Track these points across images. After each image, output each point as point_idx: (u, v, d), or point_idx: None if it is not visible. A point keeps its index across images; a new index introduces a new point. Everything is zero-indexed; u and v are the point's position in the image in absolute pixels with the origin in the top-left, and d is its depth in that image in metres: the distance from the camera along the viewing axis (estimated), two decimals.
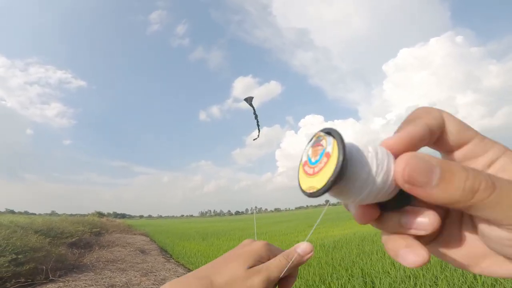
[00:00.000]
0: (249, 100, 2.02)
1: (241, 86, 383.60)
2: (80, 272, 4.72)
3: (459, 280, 3.48)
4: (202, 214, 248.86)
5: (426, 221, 0.19)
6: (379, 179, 0.17)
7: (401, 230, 0.20)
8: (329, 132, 0.18)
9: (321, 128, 0.19)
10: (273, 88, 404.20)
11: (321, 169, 0.18)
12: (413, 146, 0.19)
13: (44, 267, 4.28)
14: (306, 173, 0.19)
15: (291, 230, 15.20)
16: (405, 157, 0.17)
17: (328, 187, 0.17)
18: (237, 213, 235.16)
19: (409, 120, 0.20)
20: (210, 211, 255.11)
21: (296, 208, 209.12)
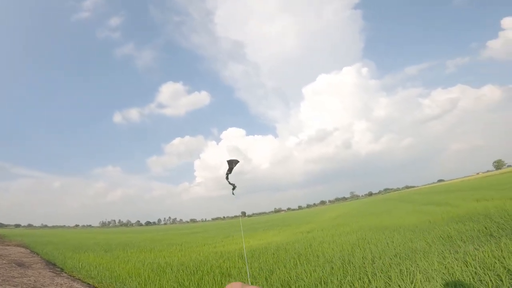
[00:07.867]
0: (234, 163, 1.82)
1: (169, 91, 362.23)
2: None
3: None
4: (104, 224, 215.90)
5: None
6: None
7: None
8: None
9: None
10: (203, 98, 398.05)
11: None
12: None
13: None
14: None
15: (209, 241, 14.83)
16: None
17: None
18: (148, 223, 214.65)
19: None
20: (115, 221, 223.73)
21: (213, 219, 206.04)
